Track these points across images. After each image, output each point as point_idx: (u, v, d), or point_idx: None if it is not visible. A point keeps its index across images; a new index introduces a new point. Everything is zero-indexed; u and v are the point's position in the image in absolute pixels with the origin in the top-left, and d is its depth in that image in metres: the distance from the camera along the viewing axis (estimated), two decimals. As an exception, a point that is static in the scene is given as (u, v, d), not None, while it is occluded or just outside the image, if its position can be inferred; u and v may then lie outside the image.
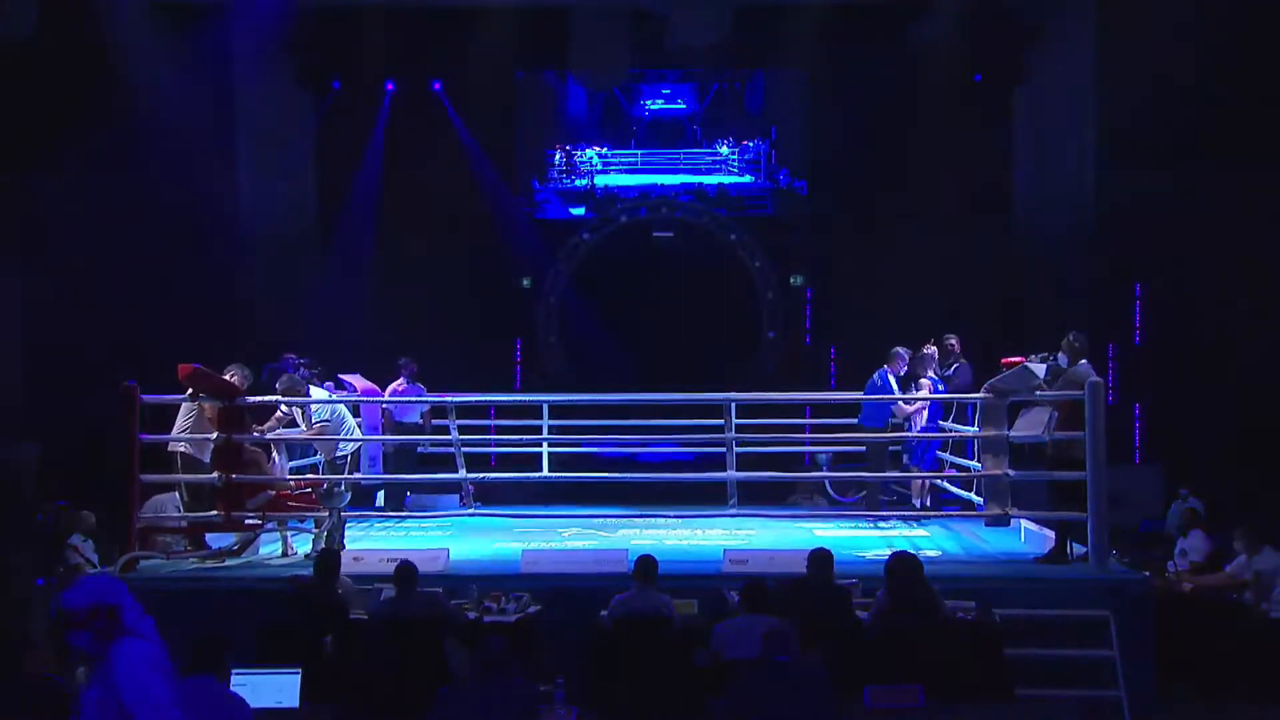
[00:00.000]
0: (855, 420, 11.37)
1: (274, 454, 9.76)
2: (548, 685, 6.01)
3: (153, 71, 13.31)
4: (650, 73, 15.81)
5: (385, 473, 11.60)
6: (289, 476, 9.88)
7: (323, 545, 9.12)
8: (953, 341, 11.41)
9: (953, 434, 10.81)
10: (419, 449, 12.01)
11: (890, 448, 11.31)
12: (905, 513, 10.99)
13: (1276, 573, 9.02)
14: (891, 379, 11.16)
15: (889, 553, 8.47)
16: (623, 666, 6.88)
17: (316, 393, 9.73)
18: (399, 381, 11.85)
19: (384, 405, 11.66)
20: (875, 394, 11.08)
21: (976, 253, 14.66)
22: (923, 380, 11.09)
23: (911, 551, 8.13)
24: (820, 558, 7.37)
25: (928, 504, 11.10)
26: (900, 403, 11.06)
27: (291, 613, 7.24)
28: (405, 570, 7.43)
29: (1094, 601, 8.03)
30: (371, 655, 6.97)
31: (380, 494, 11.97)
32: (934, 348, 11.40)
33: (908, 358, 11.22)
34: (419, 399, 11.67)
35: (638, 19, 14.27)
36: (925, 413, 11.06)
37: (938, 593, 7.20)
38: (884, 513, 10.97)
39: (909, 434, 11.00)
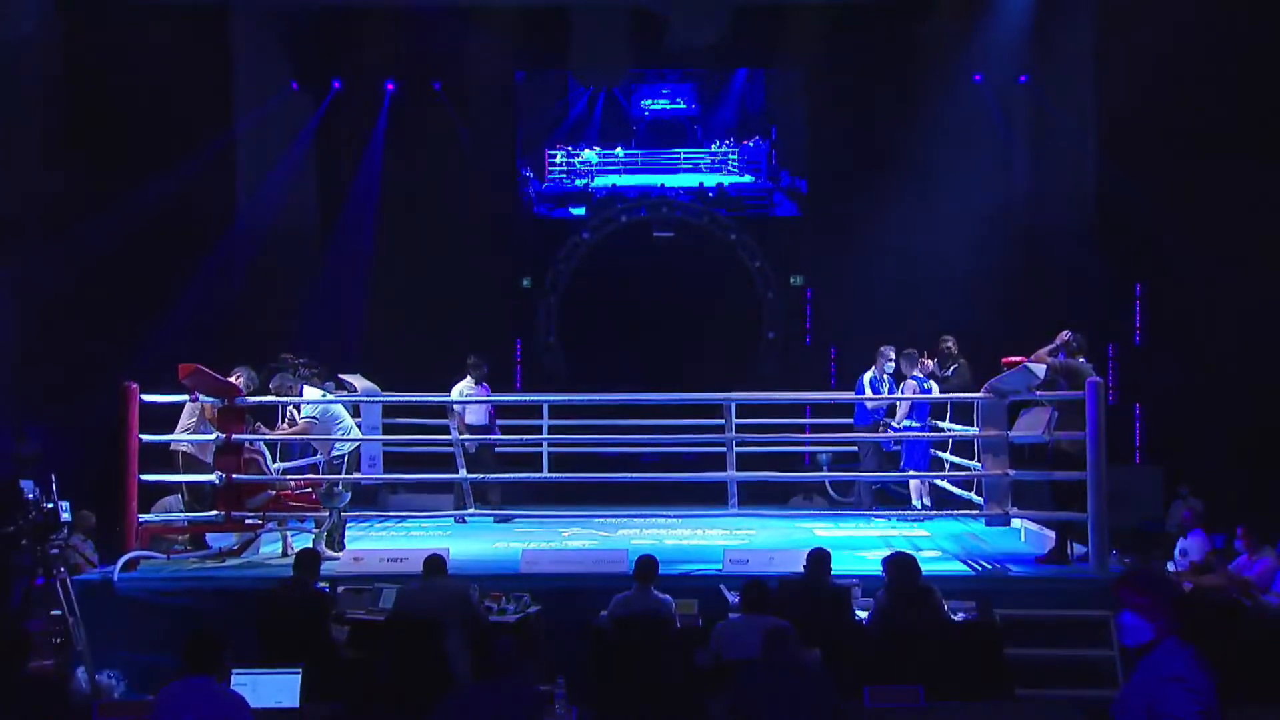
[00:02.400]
0: (852, 421, 11.43)
1: (275, 451, 9.79)
2: (548, 685, 6.01)
3: (153, 71, 13.30)
4: (650, 73, 15.80)
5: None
6: (286, 476, 9.90)
7: (323, 545, 9.13)
8: (949, 344, 11.41)
9: (948, 435, 10.82)
10: (495, 449, 11.71)
11: (887, 448, 11.32)
12: (903, 512, 10.99)
13: (1276, 572, 9.03)
14: (867, 379, 11.20)
15: (889, 553, 8.48)
16: (623, 666, 6.88)
17: (312, 393, 9.73)
18: (465, 381, 11.58)
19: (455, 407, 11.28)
20: (861, 395, 11.17)
21: (976, 253, 14.66)
22: (908, 380, 11.10)
23: (909, 551, 8.13)
24: (817, 557, 7.36)
25: (928, 504, 11.10)
26: (874, 399, 11.11)
27: (270, 612, 7.24)
28: (434, 562, 7.44)
29: (1094, 601, 8.03)
30: (374, 654, 6.97)
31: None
32: (927, 360, 11.38)
33: (891, 355, 11.25)
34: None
35: (638, 19, 14.27)
36: (904, 409, 11.07)
37: (938, 592, 7.20)
38: (881, 512, 10.99)
39: (902, 434, 11.00)
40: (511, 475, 11.03)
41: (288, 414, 9.67)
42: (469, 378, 11.61)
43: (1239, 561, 9.34)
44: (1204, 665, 3.94)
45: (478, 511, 10.82)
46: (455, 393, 11.39)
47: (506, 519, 10.93)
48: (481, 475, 10.66)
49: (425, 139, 15.23)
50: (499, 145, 15.74)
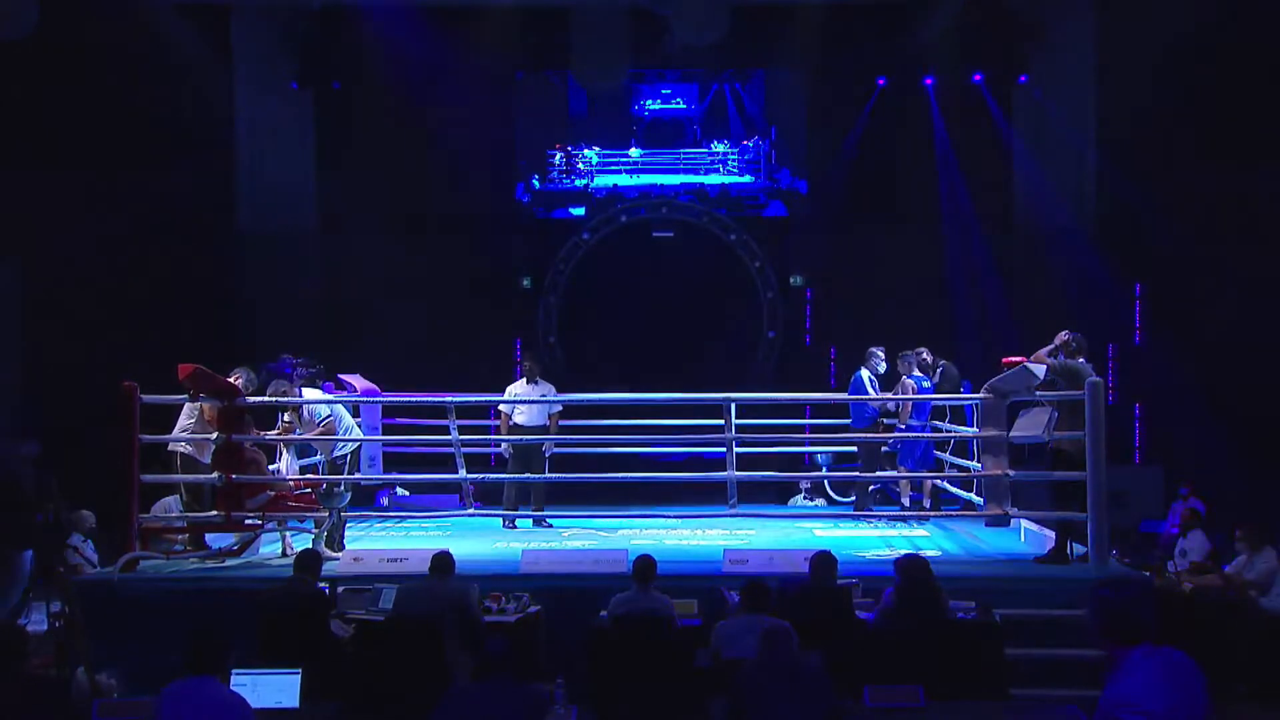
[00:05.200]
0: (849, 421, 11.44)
1: (283, 452, 9.77)
2: (548, 685, 6.01)
3: (153, 71, 13.31)
4: (650, 73, 15.79)
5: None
6: (296, 476, 9.89)
7: (323, 545, 9.13)
8: (925, 355, 11.39)
9: (948, 434, 10.81)
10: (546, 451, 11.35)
11: (884, 448, 11.32)
12: (903, 513, 10.98)
13: (1276, 572, 9.03)
14: (865, 377, 11.20)
15: (889, 553, 8.51)
16: (623, 666, 6.88)
17: (312, 393, 9.72)
18: (519, 382, 11.29)
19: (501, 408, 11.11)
20: (854, 394, 11.20)
21: (976, 252, 14.67)
22: (906, 380, 11.10)
23: (921, 554, 8.12)
24: (823, 561, 7.35)
25: (926, 505, 11.10)
26: (873, 399, 11.14)
27: (270, 612, 7.23)
28: (441, 559, 7.44)
29: (1094, 601, 8.01)
30: (373, 654, 6.97)
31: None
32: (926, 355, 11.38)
33: (881, 356, 11.25)
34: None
35: (638, 19, 14.28)
36: (907, 410, 11.06)
37: (945, 594, 7.21)
38: (879, 512, 10.99)
39: (902, 435, 10.99)
40: (510, 476, 11.02)
41: (287, 415, 9.65)
42: (523, 378, 11.33)
43: (1238, 561, 9.34)
44: (1177, 671, 3.87)
45: (478, 511, 10.79)
46: (509, 394, 11.11)
47: (512, 523, 10.94)
48: (482, 476, 10.65)
49: (425, 139, 15.23)
50: (499, 145, 15.74)
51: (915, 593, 6.99)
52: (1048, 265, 14.45)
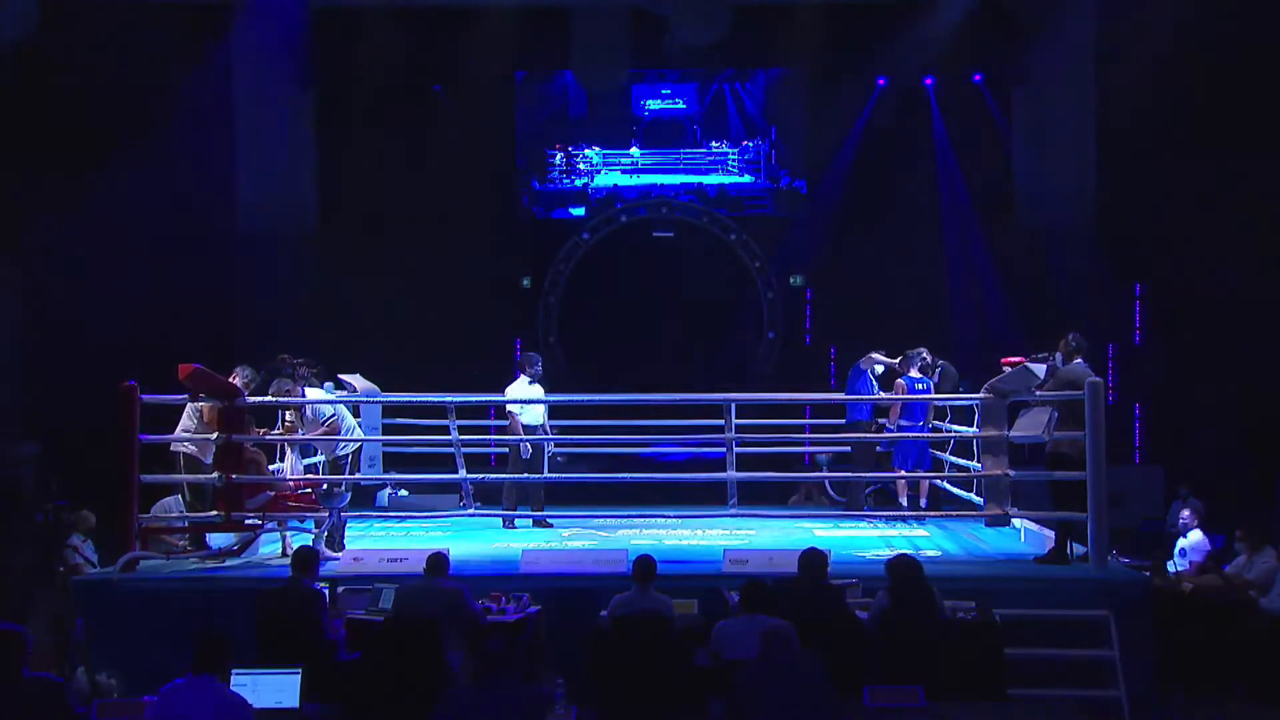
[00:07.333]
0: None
1: (286, 452, 9.77)
2: (548, 685, 6.01)
3: (153, 72, 13.31)
4: (650, 73, 15.81)
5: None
6: (299, 476, 9.90)
7: (323, 545, 9.13)
8: (925, 354, 11.39)
9: (948, 435, 10.81)
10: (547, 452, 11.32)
11: (878, 448, 11.32)
12: (901, 513, 10.97)
13: (1276, 572, 9.03)
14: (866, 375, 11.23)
15: (889, 553, 8.50)
16: (623, 666, 6.88)
17: (313, 393, 9.72)
18: (521, 380, 11.19)
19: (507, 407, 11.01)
20: (852, 391, 11.22)
21: (976, 252, 14.68)
22: (899, 380, 11.09)
23: (911, 552, 8.12)
24: (811, 558, 7.33)
25: (923, 505, 11.09)
26: (875, 398, 11.14)
27: (268, 611, 7.23)
28: (436, 560, 7.44)
29: (1094, 601, 8.03)
30: (372, 655, 6.97)
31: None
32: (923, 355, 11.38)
33: (880, 359, 11.25)
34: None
35: (638, 19, 14.29)
36: (897, 411, 11.05)
37: (938, 593, 7.20)
38: (879, 512, 10.98)
39: (898, 435, 10.98)
40: (510, 476, 11.01)
41: (288, 414, 9.65)
42: (523, 376, 11.21)
43: (1238, 562, 9.34)
44: None
45: (478, 511, 10.79)
46: (511, 393, 11.08)
47: (512, 523, 10.94)
48: (482, 476, 10.65)
49: (425, 139, 15.23)
50: (499, 145, 15.75)
51: (908, 593, 6.99)
52: (1048, 265, 14.45)
